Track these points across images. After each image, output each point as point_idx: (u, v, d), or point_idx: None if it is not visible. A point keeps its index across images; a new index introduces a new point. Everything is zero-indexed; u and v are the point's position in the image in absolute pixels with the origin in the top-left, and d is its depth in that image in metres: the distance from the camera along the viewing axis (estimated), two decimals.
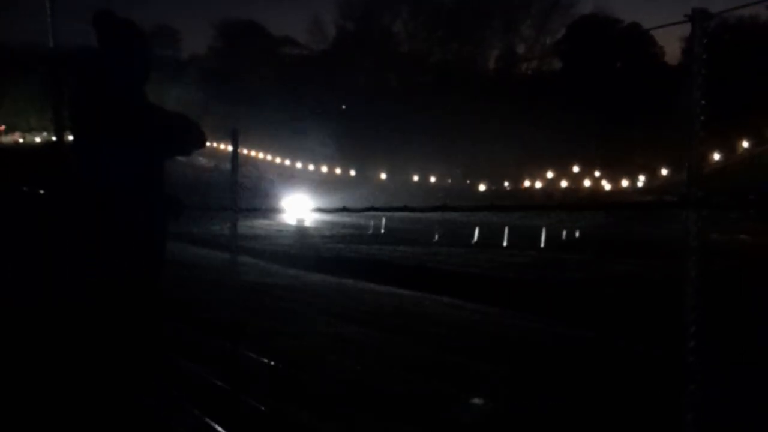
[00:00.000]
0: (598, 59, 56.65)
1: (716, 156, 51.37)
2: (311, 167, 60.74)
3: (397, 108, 54.49)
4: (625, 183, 52.96)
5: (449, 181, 55.66)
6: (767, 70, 50.05)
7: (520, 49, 64.54)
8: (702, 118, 2.74)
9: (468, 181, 55.19)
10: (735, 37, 53.80)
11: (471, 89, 56.01)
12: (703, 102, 2.73)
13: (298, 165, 61.07)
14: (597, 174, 55.04)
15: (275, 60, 64.93)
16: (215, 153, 51.74)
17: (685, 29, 2.78)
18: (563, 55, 59.87)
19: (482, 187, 54.90)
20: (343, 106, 56.82)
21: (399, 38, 65.47)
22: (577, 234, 38.69)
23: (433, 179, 56.16)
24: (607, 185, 53.72)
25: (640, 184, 52.04)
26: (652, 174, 52.38)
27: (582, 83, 53.56)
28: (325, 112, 54.91)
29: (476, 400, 5.75)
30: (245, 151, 60.06)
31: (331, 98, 57.10)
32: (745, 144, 52.98)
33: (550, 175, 55.10)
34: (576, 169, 55.45)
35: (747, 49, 52.31)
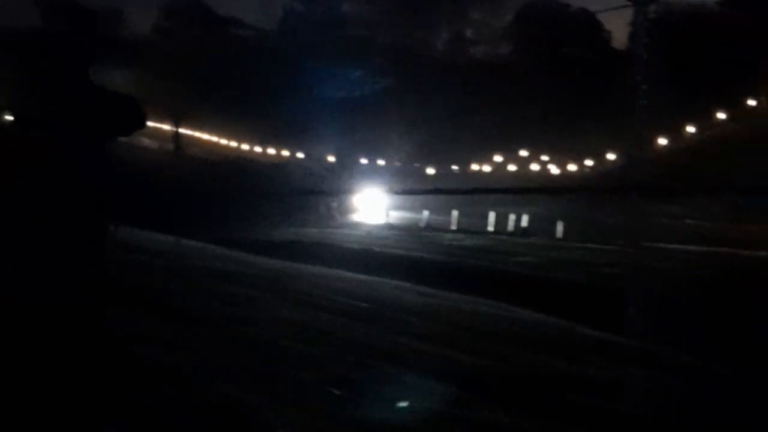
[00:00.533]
0: (547, 44, 56.99)
1: (662, 141, 51.91)
2: (258, 149, 60.34)
3: (345, 89, 54.35)
4: (573, 167, 53.41)
5: (397, 163, 55.69)
6: (716, 56, 50.78)
7: (470, 33, 64.66)
8: (644, 102, 2.54)
9: (416, 165, 55.31)
10: (683, 22, 54.39)
11: (420, 72, 56.08)
12: (644, 86, 2.52)
13: (245, 147, 60.64)
14: (545, 158, 55.38)
15: (221, 40, 64.17)
16: (159, 134, 51.11)
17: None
18: (512, 39, 60.20)
19: (431, 171, 55.04)
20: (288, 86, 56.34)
21: (348, 19, 65.10)
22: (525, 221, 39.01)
23: (381, 162, 56.08)
24: (555, 170, 54.15)
25: (586, 169, 52.53)
26: (600, 159, 52.82)
27: (530, 67, 53.90)
28: (274, 94, 54.54)
29: None
30: (193, 133, 59.42)
31: (279, 79, 56.64)
32: (692, 129, 53.69)
33: (498, 159, 55.42)
34: (524, 153, 55.72)
35: (694, 34, 52.94)
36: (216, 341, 8.12)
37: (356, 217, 43.50)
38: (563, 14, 59.36)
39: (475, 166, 55.33)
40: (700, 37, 53.47)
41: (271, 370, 6.75)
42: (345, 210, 44.60)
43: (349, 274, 19.56)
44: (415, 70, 56.63)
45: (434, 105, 53.88)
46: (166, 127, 45.15)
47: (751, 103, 53.72)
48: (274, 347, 7.96)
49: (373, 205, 44.32)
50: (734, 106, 53.93)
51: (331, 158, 58.17)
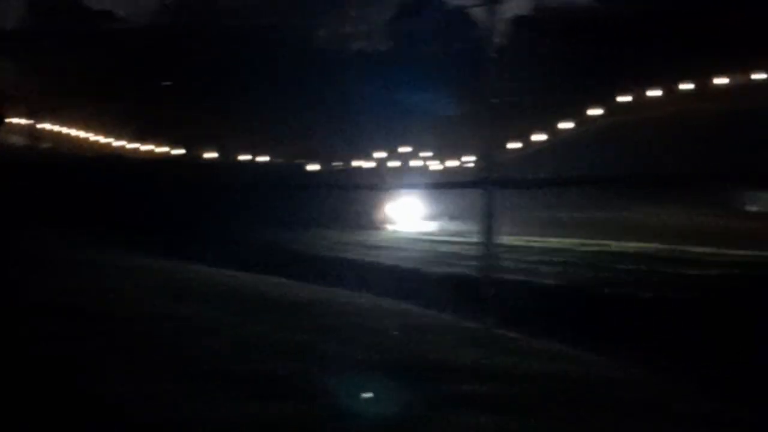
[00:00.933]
0: (424, 40, 57.54)
1: (539, 137, 52.96)
2: (137, 146, 58.67)
3: (224, 85, 53.47)
4: (453, 163, 53.90)
5: (279, 160, 55.14)
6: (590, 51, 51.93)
7: (347, 28, 64.46)
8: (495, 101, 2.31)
9: (296, 161, 54.88)
10: (555, 19, 55.66)
11: (298, 67, 55.62)
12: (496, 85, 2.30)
13: (116, 143, 58.85)
14: (428, 154, 55.72)
15: (93, 35, 62.07)
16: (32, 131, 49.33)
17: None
18: (390, 35, 60.47)
19: (312, 168, 54.65)
20: (165, 83, 54.94)
21: (225, 13, 64.06)
22: None
23: (264, 159, 55.36)
24: (436, 166, 54.58)
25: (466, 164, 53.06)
26: (481, 155, 53.23)
27: (409, 64, 54.21)
28: (149, 90, 53.19)
29: None
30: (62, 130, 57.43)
31: (155, 74, 55.19)
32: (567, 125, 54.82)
33: (380, 155, 55.41)
34: (407, 149, 55.91)
35: (568, 31, 54.10)
36: None
37: None
38: (441, 11, 60.05)
39: (356, 163, 55.22)
40: (573, 33, 54.62)
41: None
42: None
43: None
44: (293, 64, 56.17)
45: (314, 100, 53.56)
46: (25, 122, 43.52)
47: (625, 98, 55.17)
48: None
49: None
50: (607, 102, 55.26)
51: (210, 155, 57.07)
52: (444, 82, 53.58)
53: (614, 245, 31.09)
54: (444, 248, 30.40)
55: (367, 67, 55.82)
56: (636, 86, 51.42)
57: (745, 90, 44.77)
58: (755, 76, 45.25)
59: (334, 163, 54.91)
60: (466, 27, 57.20)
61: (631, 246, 30.63)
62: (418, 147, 55.18)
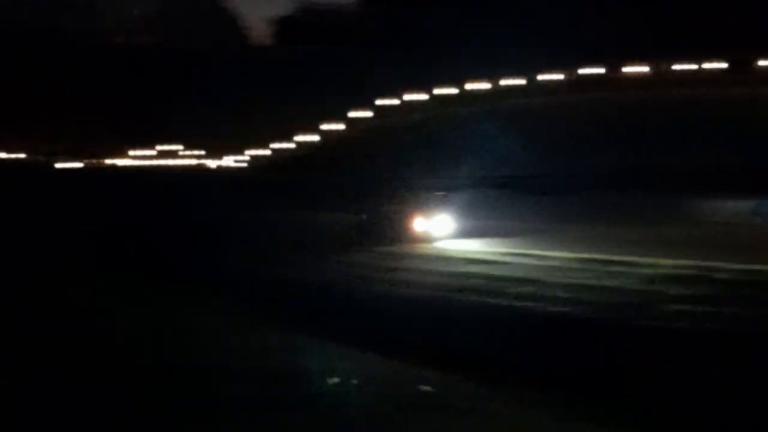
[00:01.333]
0: (184, 36, 56.26)
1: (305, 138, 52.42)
2: None
3: None
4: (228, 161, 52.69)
5: (23, 156, 51.62)
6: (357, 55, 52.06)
7: (108, 21, 61.66)
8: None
9: (44, 158, 51.57)
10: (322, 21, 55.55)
11: (57, 59, 52.59)
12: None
13: None
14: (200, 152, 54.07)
15: None
16: None
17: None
18: (152, 29, 58.53)
19: (62, 165, 51.52)
20: None
21: None
22: None
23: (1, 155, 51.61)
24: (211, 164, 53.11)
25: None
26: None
27: (168, 61, 52.66)
28: None
29: None
30: None
31: None
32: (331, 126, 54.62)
33: (141, 152, 53.18)
34: (166, 147, 53.92)
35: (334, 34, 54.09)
36: None
37: None
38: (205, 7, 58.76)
39: (108, 161, 52.62)
40: (341, 36, 54.71)
41: None
42: None
43: None
44: (52, 57, 53.00)
45: (62, 94, 50.59)
46: None
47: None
48: None
49: None
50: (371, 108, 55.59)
51: None
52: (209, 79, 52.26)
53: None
54: None
55: (121, 63, 53.60)
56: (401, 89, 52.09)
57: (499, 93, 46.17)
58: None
59: (88, 161, 52.06)
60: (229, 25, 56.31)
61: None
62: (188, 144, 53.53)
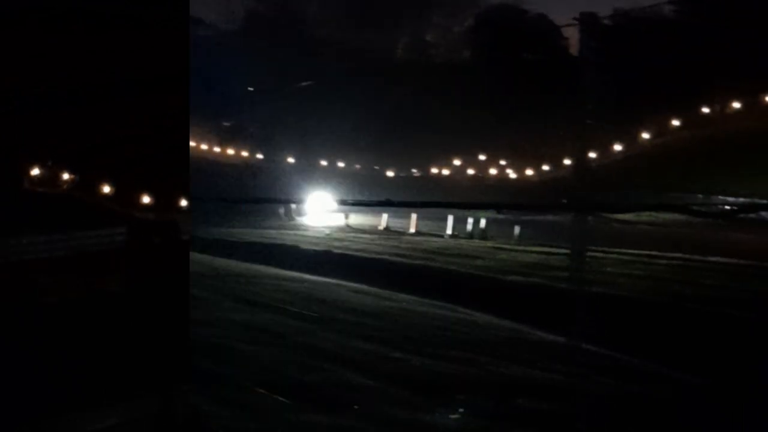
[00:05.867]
0: (505, 49, 57.61)
1: (617, 147, 52.56)
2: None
3: (309, 93, 54.25)
4: (530, 172, 53.95)
5: (357, 166, 55.80)
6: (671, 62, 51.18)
7: (431, 37, 64.95)
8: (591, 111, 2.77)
9: (376, 167, 55.53)
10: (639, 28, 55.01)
11: (383, 76, 56.22)
12: (589, 104, 2.76)
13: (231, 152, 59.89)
14: (502, 162, 55.84)
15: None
16: None
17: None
18: (472, 44, 60.68)
19: (390, 173, 55.29)
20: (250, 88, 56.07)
21: (312, 24, 65.13)
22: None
23: (341, 164, 56.10)
24: (512, 174, 54.65)
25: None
26: (556, 164, 53.29)
27: (489, 72, 54.37)
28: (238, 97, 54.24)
29: None
30: None
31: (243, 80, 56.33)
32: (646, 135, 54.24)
33: (457, 162, 55.73)
34: (482, 157, 56.13)
35: (650, 40, 53.48)
36: None
37: (315, 219, 43.38)
38: (522, 20, 59.97)
39: (434, 170, 55.66)
40: (657, 42, 53.99)
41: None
42: (303, 212, 44.65)
43: (307, 276, 19.43)
44: (376, 73, 56.79)
45: (393, 108, 54.12)
46: None
47: (705, 110, 54.34)
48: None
49: (330, 207, 44.27)
50: (688, 114, 54.47)
51: (291, 159, 58.01)
52: (520, 90, 53.74)
53: None
54: None
55: (447, 76, 56.11)
56: None
57: None
58: None
59: (413, 170, 55.42)
60: (548, 36, 57.32)
61: None
62: (496, 155, 55.32)
